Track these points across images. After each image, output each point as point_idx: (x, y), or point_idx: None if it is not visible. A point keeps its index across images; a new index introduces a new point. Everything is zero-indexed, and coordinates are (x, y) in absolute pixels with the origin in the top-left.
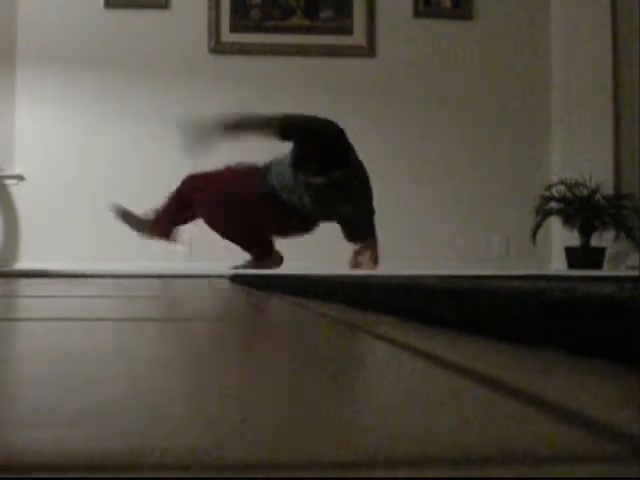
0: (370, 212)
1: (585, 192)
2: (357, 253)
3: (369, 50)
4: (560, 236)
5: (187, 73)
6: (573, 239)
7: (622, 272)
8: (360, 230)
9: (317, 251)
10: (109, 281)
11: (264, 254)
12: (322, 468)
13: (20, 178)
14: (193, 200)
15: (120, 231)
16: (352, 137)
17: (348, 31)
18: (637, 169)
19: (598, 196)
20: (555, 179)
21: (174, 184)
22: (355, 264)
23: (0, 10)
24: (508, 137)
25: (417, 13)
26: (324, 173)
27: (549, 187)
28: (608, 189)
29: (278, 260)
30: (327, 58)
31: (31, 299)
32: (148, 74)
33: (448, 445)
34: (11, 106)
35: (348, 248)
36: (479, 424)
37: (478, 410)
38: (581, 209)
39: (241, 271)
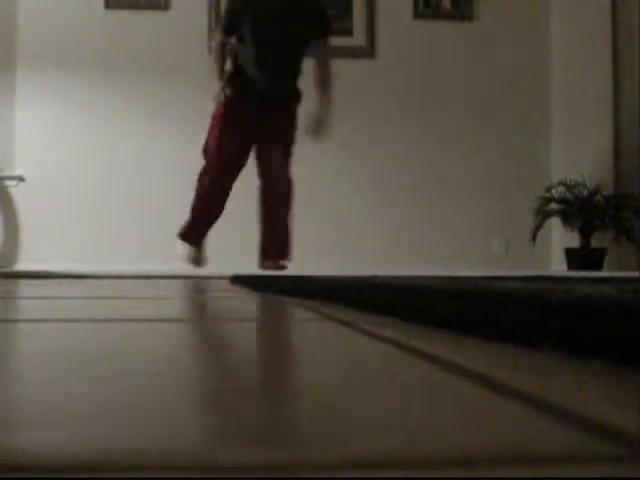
0: None
1: (585, 193)
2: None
3: (369, 51)
4: (560, 237)
5: (187, 73)
6: (573, 240)
7: (622, 273)
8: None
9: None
10: (109, 282)
11: None
12: (322, 468)
13: (20, 179)
14: None
15: (120, 232)
16: (352, 138)
17: (348, 32)
18: (637, 169)
19: (598, 197)
20: (555, 180)
21: (174, 184)
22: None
23: (0, 10)
24: (508, 138)
25: (417, 14)
26: None
27: (549, 188)
28: (608, 190)
29: None
30: None
31: (31, 300)
32: (148, 75)
33: (448, 445)
34: (11, 107)
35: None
36: (479, 424)
37: (478, 410)
38: (581, 210)
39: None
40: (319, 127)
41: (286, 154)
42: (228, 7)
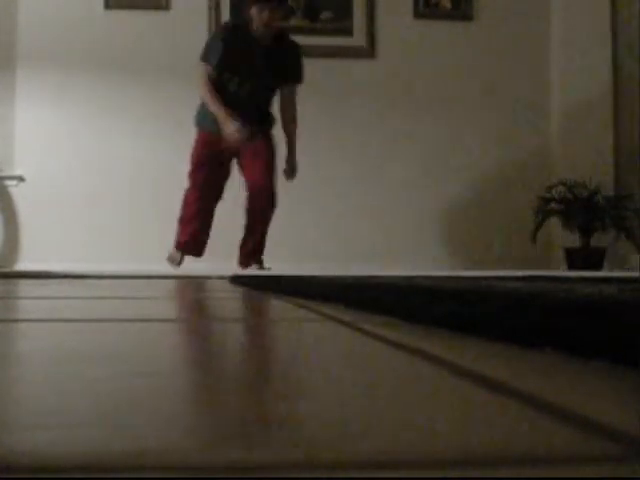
0: None
1: (585, 193)
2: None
3: (369, 51)
4: (560, 237)
5: (187, 74)
6: (573, 240)
7: (622, 273)
8: None
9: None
10: (109, 282)
11: None
12: (322, 468)
13: (20, 179)
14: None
15: (120, 232)
16: (352, 138)
17: (348, 32)
18: (637, 169)
19: (598, 197)
20: (555, 180)
21: (174, 184)
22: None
23: (0, 10)
24: (508, 137)
25: (417, 14)
26: None
27: (549, 188)
28: (608, 190)
29: None
30: (327, 59)
31: (31, 300)
32: (148, 75)
33: (448, 445)
34: (11, 107)
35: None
36: (479, 424)
37: (478, 410)
38: (581, 210)
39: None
40: (292, 171)
41: (268, 170)
42: (212, 41)
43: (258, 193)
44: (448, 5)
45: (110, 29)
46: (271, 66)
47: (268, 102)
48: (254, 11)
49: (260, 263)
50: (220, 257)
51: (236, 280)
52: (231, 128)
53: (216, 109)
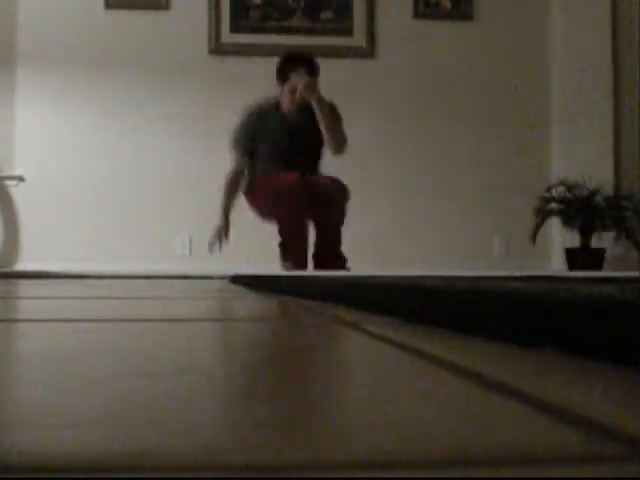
0: None
1: (585, 193)
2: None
3: (369, 51)
4: (560, 237)
5: (187, 74)
6: (573, 240)
7: (622, 273)
8: None
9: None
10: (109, 282)
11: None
12: (322, 468)
13: (20, 179)
14: None
15: (121, 232)
16: (352, 138)
17: (348, 32)
18: (637, 170)
19: (598, 197)
20: (555, 180)
21: (174, 184)
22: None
23: (0, 10)
24: (508, 138)
25: (417, 14)
26: None
27: (549, 188)
28: (608, 190)
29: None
30: (327, 59)
31: (31, 300)
32: (148, 75)
33: (448, 445)
34: (11, 106)
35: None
36: (479, 424)
37: (478, 410)
38: (581, 210)
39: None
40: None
41: (327, 176)
42: (244, 129)
43: (323, 189)
44: (448, 5)
45: (110, 29)
46: (307, 135)
47: (316, 159)
48: (284, 90)
49: (341, 261)
50: (221, 257)
51: (237, 280)
52: (215, 233)
53: (221, 211)
